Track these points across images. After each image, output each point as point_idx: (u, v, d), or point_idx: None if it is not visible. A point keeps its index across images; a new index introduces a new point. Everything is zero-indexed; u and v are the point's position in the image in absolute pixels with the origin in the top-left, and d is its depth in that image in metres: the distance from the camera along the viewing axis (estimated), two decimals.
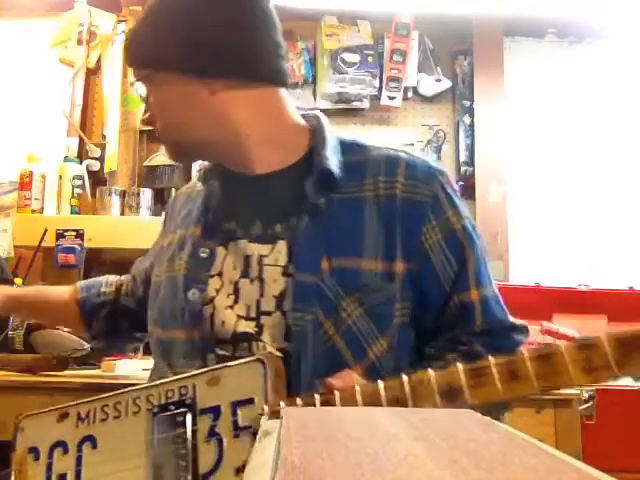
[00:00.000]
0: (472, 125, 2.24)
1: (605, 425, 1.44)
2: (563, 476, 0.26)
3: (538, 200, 2.26)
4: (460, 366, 0.62)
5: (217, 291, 0.84)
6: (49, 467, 0.78)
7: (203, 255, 0.86)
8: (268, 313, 0.82)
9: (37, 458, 0.78)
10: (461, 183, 2.25)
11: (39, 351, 1.50)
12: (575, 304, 1.85)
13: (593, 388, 1.47)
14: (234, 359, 0.79)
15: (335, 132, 0.92)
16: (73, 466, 0.77)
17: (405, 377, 0.64)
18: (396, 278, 0.81)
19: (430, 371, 0.63)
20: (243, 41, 0.85)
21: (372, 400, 0.64)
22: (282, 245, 0.84)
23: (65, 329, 1.42)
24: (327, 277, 0.80)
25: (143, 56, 0.89)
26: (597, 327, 1.76)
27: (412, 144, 2.27)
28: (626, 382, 1.70)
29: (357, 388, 0.65)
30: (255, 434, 0.67)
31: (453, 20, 2.21)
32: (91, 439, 0.77)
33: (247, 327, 0.82)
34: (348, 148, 0.89)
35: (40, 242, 1.77)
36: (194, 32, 0.84)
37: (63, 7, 2.25)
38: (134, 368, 1.43)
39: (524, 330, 0.87)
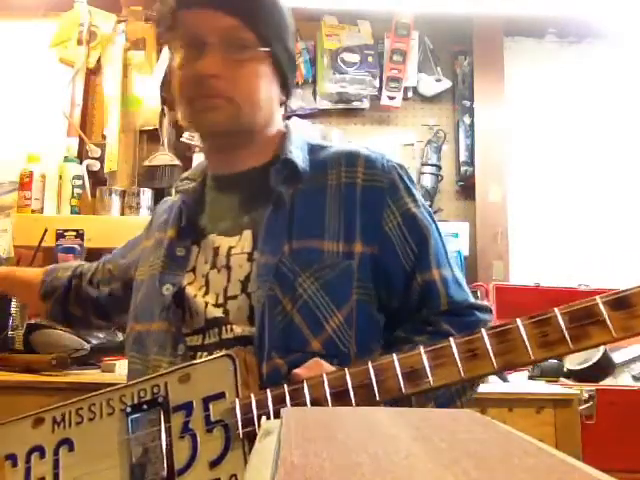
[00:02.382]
0: (472, 125, 2.24)
1: (605, 425, 1.44)
2: (563, 476, 0.26)
3: (538, 200, 2.26)
4: (422, 348, 0.64)
5: (190, 284, 0.89)
6: (27, 472, 0.79)
7: (180, 254, 0.91)
8: (234, 297, 0.85)
9: (15, 465, 0.79)
10: (461, 183, 2.25)
11: (39, 351, 1.50)
12: None
13: (593, 388, 1.47)
14: (203, 348, 0.83)
15: (305, 136, 0.98)
16: (51, 469, 0.78)
17: (370, 363, 0.66)
18: (355, 257, 0.85)
19: (393, 355, 0.65)
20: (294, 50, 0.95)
21: (339, 387, 0.66)
22: (248, 234, 0.88)
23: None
24: (286, 257, 0.84)
25: (264, 27, 0.89)
26: None
27: (412, 144, 2.27)
28: (626, 382, 1.71)
29: (324, 376, 0.67)
30: (227, 427, 0.69)
31: (453, 20, 2.21)
32: (67, 442, 0.78)
33: (216, 312, 0.85)
34: (314, 149, 0.95)
35: (40, 242, 1.77)
36: (291, 33, 0.93)
37: (63, 7, 2.25)
38: None
39: (487, 310, 0.91)
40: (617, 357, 1.64)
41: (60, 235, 1.92)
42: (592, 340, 0.59)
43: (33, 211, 2.04)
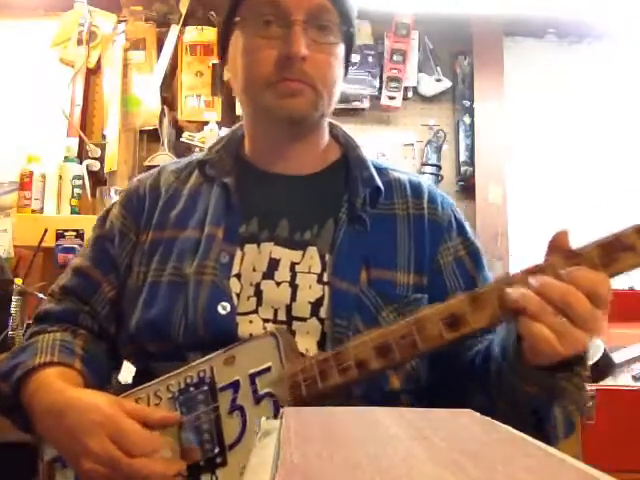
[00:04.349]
0: (472, 125, 2.24)
1: (605, 425, 1.44)
2: (563, 476, 0.26)
3: (538, 200, 2.26)
4: (460, 295, 0.65)
5: (238, 295, 0.80)
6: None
7: (224, 261, 0.82)
8: (302, 319, 0.79)
9: (65, 466, 0.77)
10: (461, 183, 2.25)
11: None
12: None
13: (593, 388, 1.47)
14: None
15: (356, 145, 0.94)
16: None
17: (410, 316, 0.66)
18: (425, 290, 0.84)
19: (433, 305, 0.66)
20: None
21: (382, 343, 0.66)
22: (313, 252, 0.82)
23: None
24: (366, 287, 0.81)
25: (347, 6, 0.87)
26: None
27: (412, 144, 2.28)
28: (626, 382, 1.71)
29: (368, 336, 0.67)
30: (274, 397, 0.69)
31: (453, 20, 2.21)
32: None
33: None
34: (377, 168, 0.91)
35: (40, 242, 1.77)
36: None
37: (63, 7, 2.25)
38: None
39: None
40: (617, 357, 1.64)
41: (60, 235, 1.92)
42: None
43: (33, 211, 2.04)
